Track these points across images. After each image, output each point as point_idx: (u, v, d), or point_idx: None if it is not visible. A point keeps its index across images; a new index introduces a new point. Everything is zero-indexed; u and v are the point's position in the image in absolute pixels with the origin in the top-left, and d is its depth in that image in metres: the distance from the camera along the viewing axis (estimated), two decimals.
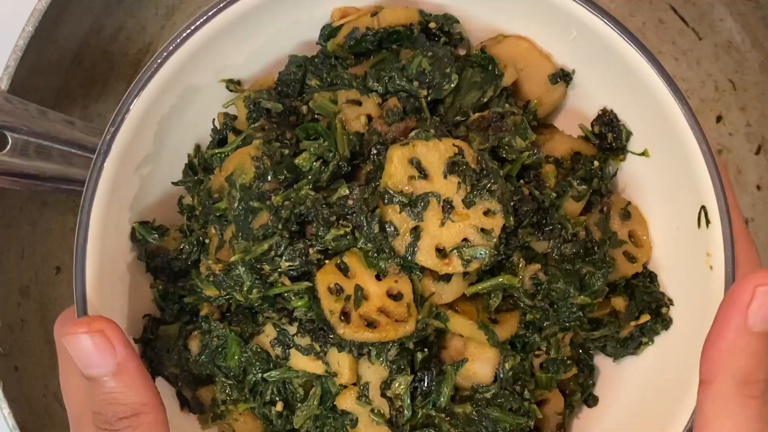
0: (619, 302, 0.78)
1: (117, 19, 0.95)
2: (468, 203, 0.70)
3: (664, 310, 0.79)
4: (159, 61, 0.72)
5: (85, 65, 0.95)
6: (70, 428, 0.72)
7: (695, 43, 0.99)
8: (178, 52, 0.72)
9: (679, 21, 0.99)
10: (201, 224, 0.77)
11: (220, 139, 0.79)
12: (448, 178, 0.70)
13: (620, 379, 0.82)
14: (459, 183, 0.70)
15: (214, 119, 0.79)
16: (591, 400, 0.83)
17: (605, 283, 0.75)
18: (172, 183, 0.79)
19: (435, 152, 0.70)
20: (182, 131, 0.78)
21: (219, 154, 0.76)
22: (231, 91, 0.80)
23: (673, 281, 0.79)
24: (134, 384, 0.68)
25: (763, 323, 0.64)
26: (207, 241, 0.76)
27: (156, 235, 0.77)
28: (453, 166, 0.70)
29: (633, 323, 0.78)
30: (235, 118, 0.79)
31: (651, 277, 0.80)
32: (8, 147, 0.78)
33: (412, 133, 0.71)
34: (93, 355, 0.67)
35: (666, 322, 0.79)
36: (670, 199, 0.78)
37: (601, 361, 0.83)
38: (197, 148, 0.80)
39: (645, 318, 0.78)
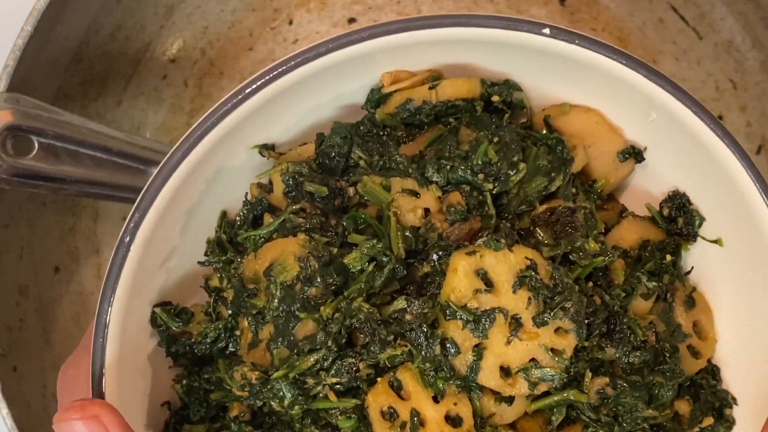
0: (683, 406, 0.72)
1: (116, 18, 0.93)
2: (539, 323, 0.63)
3: (727, 411, 0.73)
4: (188, 144, 0.63)
5: (84, 64, 0.93)
6: None
7: (696, 42, 0.97)
8: (209, 136, 0.64)
9: (679, 20, 0.97)
10: (232, 313, 0.69)
11: (254, 216, 0.70)
12: (517, 293, 0.63)
13: None
14: (530, 299, 0.63)
15: (246, 193, 0.71)
16: None
17: (675, 395, 0.69)
18: (198, 263, 0.70)
19: (504, 264, 0.63)
20: (210, 209, 0.70)
21: (253, 237, 0.68)
22: (264, 156, 0.71)
23: (736, 378, 0.74)
24: None
25: None
26: (238, 333, 0.68)
27: (180, 324, 0.69)
28: (523, 280, 0.63)
29: (697, 428, 0.73)
30: (270, 189, 0.70)
31: (713, 372, 0.74)
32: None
33: (480, 241, 0.63)
34: None
35: (729, 424, 0.73)
36: (742, 292, 0.71)
37: None
38: (226, 221, 0.72)
39: (708, 421, 0.73)
